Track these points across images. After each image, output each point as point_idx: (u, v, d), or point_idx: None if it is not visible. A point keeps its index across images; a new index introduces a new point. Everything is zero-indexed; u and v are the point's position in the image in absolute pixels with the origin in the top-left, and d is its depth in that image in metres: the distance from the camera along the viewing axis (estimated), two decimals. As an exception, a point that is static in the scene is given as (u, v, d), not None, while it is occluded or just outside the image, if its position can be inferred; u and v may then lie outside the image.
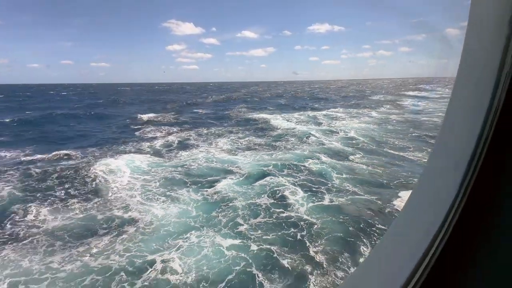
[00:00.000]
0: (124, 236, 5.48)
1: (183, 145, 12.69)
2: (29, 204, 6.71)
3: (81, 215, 6.26)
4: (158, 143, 13.13)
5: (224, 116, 22.97)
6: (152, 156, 10.85)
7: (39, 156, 10.99)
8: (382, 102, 30.92)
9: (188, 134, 15.17)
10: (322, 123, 18.10)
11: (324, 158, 10.00)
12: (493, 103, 0.74)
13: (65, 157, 10.89)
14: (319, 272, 4.40)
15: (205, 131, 15.86)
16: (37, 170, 9.21)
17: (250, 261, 4.70)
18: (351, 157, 10.23)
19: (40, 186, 7.96)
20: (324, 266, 4.54)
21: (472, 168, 0.76)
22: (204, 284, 4.19)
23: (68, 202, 6.90)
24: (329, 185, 7.68)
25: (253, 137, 14.06)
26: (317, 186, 7.60)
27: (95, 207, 6.66)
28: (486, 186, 0.75)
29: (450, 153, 0.87)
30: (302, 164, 9.37)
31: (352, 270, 4.20)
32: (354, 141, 12.61)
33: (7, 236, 5.50)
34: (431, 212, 0.82)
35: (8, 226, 5.83)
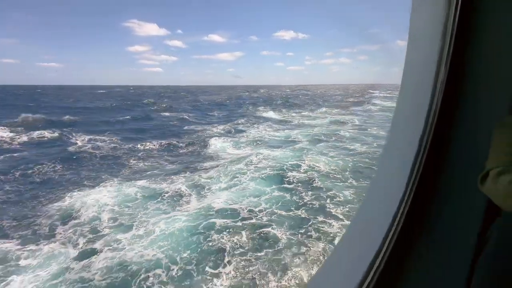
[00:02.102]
0: (259, 160, 10.27)
1: (237, 130, 17.43)
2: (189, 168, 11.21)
3: (234, 158, 10.89)
4: (216, 130, 17.64)
5: (235, 113, 27.80)
6: (223, 137, 15.49)
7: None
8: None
9: (229, 126, 19.65)
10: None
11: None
12: (431, 108, 0.83)
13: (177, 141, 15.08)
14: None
15: (240, 122, 20.58)
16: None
17: (354, 157, 10.00)
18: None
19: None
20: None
21: (416, 168, 0.85)
22: (335, 169, 9.25)
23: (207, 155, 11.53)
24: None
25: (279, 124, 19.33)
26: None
27: (233, 151, 11.32)
28: (428, 183, 0.85)
29: (396, 156, 0.96)
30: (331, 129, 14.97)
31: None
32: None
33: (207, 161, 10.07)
34: (382, 211, 0.90)
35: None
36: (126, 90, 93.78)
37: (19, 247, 5.20)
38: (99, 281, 4.24)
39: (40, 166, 9.94)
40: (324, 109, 29.19)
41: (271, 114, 25.99)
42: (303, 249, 4.89)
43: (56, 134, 15.26)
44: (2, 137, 14.71)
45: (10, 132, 15.66)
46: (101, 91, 74.32)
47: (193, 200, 7.05)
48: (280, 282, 4.14)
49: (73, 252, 5.10)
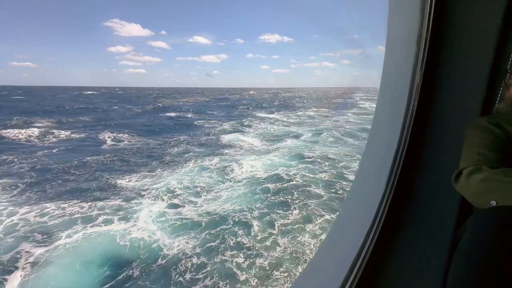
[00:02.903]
0: (276, 145, 12.42)
1: (244, 125, 19.45)
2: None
3: (258, 145, 12.93)
4: (224, 125, 19.58)
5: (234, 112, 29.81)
6: (234, 130, 17.47)
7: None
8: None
9: (234, 123, 21.57)
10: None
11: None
12: (408, 110, 0.88)
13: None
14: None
15: (244, 120, 22.61)
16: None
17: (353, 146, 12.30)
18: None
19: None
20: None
21: (396, 166, 0.89)
22: (344, 150, 11.57)
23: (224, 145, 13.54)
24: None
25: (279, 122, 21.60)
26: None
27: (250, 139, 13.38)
28: (408, 180, 0.89)
29: (377, 155, 1.00)
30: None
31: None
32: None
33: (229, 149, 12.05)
34: (366, 206, 0.92)
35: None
36: (113, 91, 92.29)
37: (124, 202, 6.98)
38: (198, 219, 6.14)
39: (89, 158, 11.46)
40: (315, 109, 31.81)
41: (268, 114, 28.19)
42: (338, 200, 7.06)
43: (82, 135, 16.44)
44: (30, 136, 15.79)
45: (37, 132, 16.65)
46: (88, 92, 73.11)
47: (236, 169, 9.08)
48: (330, 216, 6.25)
49: (163, 205, 6.92)
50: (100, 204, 6.89)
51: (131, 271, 4.49)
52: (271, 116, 26.84)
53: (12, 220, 5.97)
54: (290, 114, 27.83)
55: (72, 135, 16.42)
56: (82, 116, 24.16)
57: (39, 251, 4.95)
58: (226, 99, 51.30)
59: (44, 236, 5.42)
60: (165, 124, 21.26)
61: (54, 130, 17.39)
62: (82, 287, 4.28)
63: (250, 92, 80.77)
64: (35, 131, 16.51)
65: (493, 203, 0.61)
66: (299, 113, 28.39)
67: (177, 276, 4.39)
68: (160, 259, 4.79)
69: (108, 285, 4.22)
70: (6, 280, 4.30)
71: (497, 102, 0.85)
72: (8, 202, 7.00)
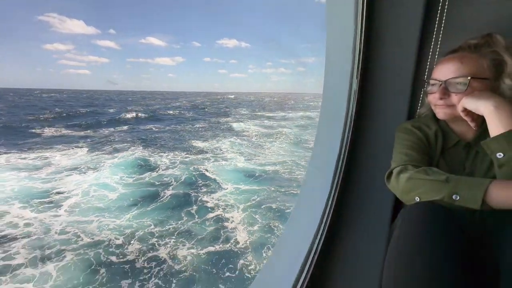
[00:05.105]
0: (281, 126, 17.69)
1: (241, 121, 24.20)
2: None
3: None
4: (226, 119, 24.02)
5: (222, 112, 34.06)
6: (240, 123, 22.14)
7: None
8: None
9: (231, 119, 26.05)
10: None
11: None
12: (348, 115, 0.94)
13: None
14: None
15: (238, 117, 27.23)
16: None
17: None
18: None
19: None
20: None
21: (339, 169, 0.95)
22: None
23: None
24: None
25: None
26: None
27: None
28: (349, 182, 0.96)
29: (322, 160, 1.06)
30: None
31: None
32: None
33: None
34: (312, 212, 0.97)
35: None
36: (60, 94, 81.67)
37: (210, 155, 11.37)
38: (268, 163, 10.84)
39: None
40: (291, 111, 37.59)
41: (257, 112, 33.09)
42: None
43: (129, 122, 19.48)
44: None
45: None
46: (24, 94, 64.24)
47: (267, 148, 14.03)
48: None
49: (240, 158, 11.49)
50: (197, 155, 11.27)
51: (256, 174, 9.21)
52: (259, 113, 31.62)
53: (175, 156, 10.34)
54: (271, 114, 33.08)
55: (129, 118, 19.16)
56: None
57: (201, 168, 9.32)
58: (201, 103, 53.86)
59: (195, 165, 9.72)
60: (179, 120, 24.70)
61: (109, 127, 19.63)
62: (236, 179, 8.66)
63: (218, 97, 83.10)
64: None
65: (417, 199, 0.66)
66: (279, 113, 33.90)
67: (284, 174, 9.29)
68: (266, 171, 9.52)
69: (251, 179, 8.77)
70: (196, 179, 8.56)
71: (419, 107, 0.96)
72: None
